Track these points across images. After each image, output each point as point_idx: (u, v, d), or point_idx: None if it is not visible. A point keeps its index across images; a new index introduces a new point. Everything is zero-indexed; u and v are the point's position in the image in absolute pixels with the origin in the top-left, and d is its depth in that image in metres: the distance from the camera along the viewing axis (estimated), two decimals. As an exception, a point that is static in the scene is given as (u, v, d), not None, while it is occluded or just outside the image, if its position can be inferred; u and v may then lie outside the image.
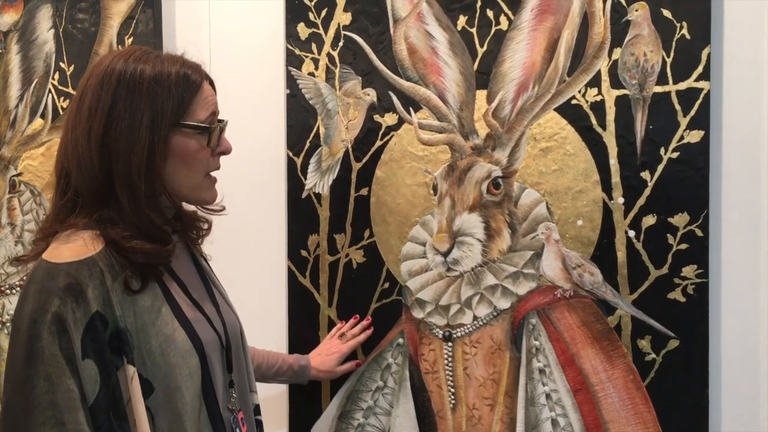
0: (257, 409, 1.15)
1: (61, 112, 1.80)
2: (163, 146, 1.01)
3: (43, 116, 1.82)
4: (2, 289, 1.86)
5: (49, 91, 1.81)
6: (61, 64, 1.79)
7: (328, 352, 1.56)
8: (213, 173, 1.11)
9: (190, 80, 1.04)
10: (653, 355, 1.44)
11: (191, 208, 1.16)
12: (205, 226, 1.18)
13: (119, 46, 1.73)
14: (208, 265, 1.18)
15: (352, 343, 1.57)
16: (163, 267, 1.04)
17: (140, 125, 0.99)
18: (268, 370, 1.47)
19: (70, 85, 1.79)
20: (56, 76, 1.80)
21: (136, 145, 0.99)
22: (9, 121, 1.84)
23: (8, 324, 1.86)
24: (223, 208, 1.18)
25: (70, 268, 0.95)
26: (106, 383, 0.94)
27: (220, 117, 1.11)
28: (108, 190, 1.00)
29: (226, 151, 1.10)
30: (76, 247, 0.97)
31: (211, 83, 1.11)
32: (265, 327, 1.66)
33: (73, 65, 1.79)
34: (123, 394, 0.96)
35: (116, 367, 0.96)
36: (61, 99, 1.80)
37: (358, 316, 1.61)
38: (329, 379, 1.60)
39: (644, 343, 1.45)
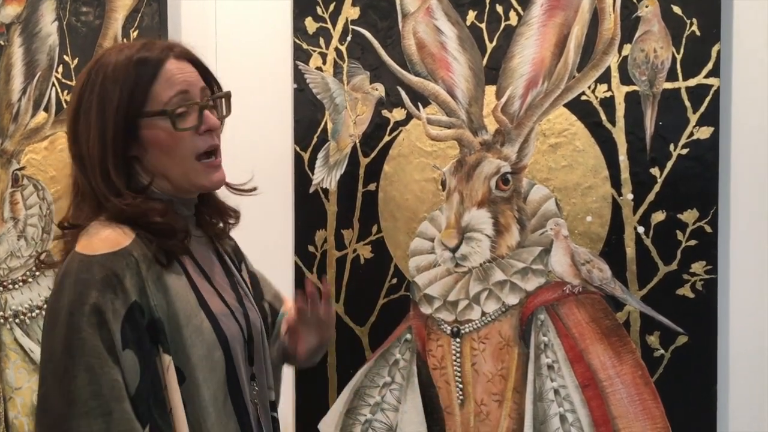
0: (273, 406, 1.15)
1: (64, 106, 1.78)
2: (128, 139, 0.98)
3: (46, 110, 1.80)
4: (5, 284, 1.84)
5: (53, 84, 1.79)
6: (64, 57, 1.77)
7: None
8: (219, 158, 1.04)
9: (148, 63, 0.98)
10: (662, 351, 1.45)
11: (220, 196, 1.15)
12: (232, 220, 1.17)
13: (124, 40, 1.72)
14: (236, 265, 1.18)
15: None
16: (185, 253, 1.04)
17: (94, 123, 0.97)
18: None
19: (73, 78, 1.77)
20: (60, 69, 1.78)
21: (93, 144, 0.97)
22: (12, 115, 1.82)
23: (10, 319, 1.84)
24: (254, 188, 1.15)
25: (105, 259, 0.94)
26: (145, 372, 0.94)
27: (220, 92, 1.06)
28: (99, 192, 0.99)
29: (212, 128, 1.01)
30: (108, 238, 0.96)
31: (192, 60, 1.03)
32: (271, 322, 1.66)
33: (77, 58, 1.77)
34: (161, 382, 0.97)
35: (154, 355, 0.97)
36: (65, 92, 1.78)
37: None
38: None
39: (653, 339, 1.45)
